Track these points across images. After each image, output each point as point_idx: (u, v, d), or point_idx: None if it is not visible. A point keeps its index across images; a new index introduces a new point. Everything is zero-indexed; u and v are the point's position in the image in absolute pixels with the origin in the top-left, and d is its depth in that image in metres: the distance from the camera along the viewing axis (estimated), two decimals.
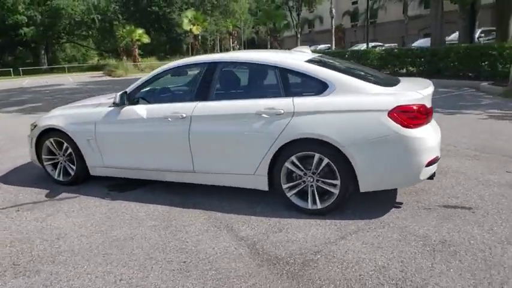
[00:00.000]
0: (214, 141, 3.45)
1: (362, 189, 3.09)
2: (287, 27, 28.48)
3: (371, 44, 24.12)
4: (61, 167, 4.28)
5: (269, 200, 3.54)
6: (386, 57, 13.82)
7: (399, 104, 2.93)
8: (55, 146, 4.24)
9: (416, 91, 3.06)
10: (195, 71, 3.80)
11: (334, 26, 26.47)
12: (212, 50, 46.97)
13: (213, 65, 3.59)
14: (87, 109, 4.15)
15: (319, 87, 3.18)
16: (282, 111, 3.15)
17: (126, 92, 3.81)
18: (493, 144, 5.13)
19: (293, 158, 3.19)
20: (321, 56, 3.84)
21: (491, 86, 9.65)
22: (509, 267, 2.39)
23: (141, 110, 3.72)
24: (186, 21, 31.76)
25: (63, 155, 4.23)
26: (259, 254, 2.71)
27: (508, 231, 2.84)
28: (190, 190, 3.90)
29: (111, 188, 4.17)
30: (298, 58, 3.45)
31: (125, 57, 31.97)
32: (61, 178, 4.28)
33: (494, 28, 16.37)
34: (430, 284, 2.28)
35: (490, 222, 3.00)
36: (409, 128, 2.92)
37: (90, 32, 45.30)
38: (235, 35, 39.05)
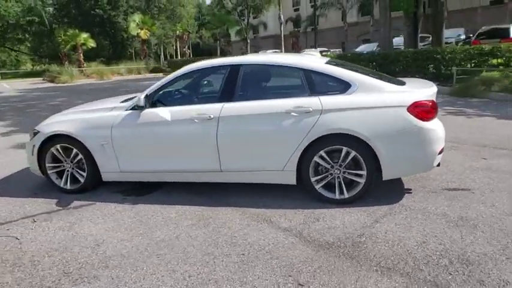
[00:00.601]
0: (243, 140, 3.59)
1: (385, 177, 3.44)
2: (239, 32, 28.89)
3: (318, 49, 25.36)
4: (68, 174, 4.12)
5: (295, 195, 3.75)
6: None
7: (416, 100, 3.32)
8: (62, 153, 4.07)
9: (427, 88, 3.49)
10: (208, 74, 3.93)
11: (282, 32, 27.36)
12: (156, 55, 45.91)
13: (237, 66, 3.74)
14: (99, 113, 4.03)
15: (343, 86, 3.48)
16: (311, 109, 3.40)
17: (147, 95, 3.80)
18: (462, 136, 5.84)
19: (322, 153, 3.44)
20: (331, 59, 4.16)
21: (438, 86, 10.78)
22: None
23: (165, 112, 3.74)
24: (133, 25, 30.77)
25: (71, 161, 4.08)
26: (310, 241, 2.92)
27: (507, 205, 3.36)
28: (211, 189, 3.99)
29: (125, 193, 4.10)
30: (318, 61, 3.73)
31: (67, 63, 30.04)
32: (68, 186, 4.12)
33: (427, 35, 18.24)
34: (468, 251, 2.66)
35: (490, 199, 3.50)
36: (424, 120, 3.32)
37: (26, 36, 41.81)
38: (186, 39, 38.62)
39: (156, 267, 2.67)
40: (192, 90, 4.21)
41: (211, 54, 44.68)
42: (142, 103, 3.68)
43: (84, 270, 2.68)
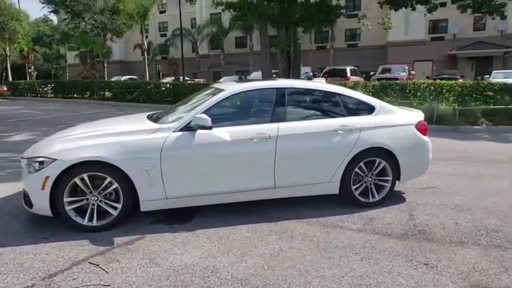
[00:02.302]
0: (297, 157, 3.92)
1: (402, 181, 4.35)
2: (107, 55, 26.43)
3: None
4: (93, 209, 3.50)
5: (326, 204, 4.23)
6: None
7: (420, 120, 4.40)
8: (89, 184, 3.45)
9: (418, 112, 4.63)
10: (253, 96, 4.15)
11: (146, 58, 26.55)
12: None
13: (283, 90, 4.07)
14: (139, 136, 3.60)
15: (370, 109, 4.28)
16: (354, 127, 4.06)
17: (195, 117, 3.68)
18: None
19: (361, 164, 4.12)
20: None
21: None
22: (498, 211, 4.16)
23: (222, 132, 3.70)
24: None
25: (99, 193, 3.50)
26: (388, 235, 3.51)
27: (472, 194, 4.70)
28: (251, 207, 4.06)
29: (164, 222, 3.76)
30: (344, 88, 4.45)
31: None
32: (94, 223, 3.50)
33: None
34: (482, 224, 3.75)
35: (458, 192, 4.82)
36: (424, 135, 4.42)
37: None
38: (32, 59, 32.39)
39: (299, 277, 2.77)
40: (240, 111, 4.22)
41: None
42: (208, 123, 3.55)
43: None
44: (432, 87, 12.76)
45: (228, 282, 2.71)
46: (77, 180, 3.42)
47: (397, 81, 13.36)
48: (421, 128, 4.38)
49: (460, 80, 15.98)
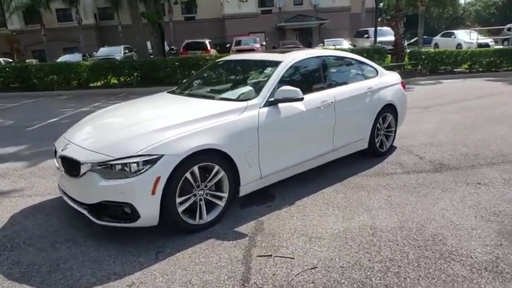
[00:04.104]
0: (348, 118, 4.31)
1: (398, 127, 5.29)
2: None
3: None
4: (201, 204, 3.08)
5: (357, 160, 4.82)
6: (99, 68, 13.73)
7: (402, 80, 5.38)
8: (197, 177, 3.00)
9: (395, 73, 5.60)
10: (307, 65, 4.28)
11: None
12: None
13: (325, 58, 4.34)
14: (232, 116, 3.24)
15: (375, 72, 4.97)
16: (375, 89, 4.69)
17: (274, 87, 3.59)
18: None
19: (380, 119, 4.82)
20: None
21: None
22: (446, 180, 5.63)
23: (299, 103, 3.71)
24: None
25: (205, 186, 3.09)
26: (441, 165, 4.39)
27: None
28: (307, 175, 4.27)
29: (251, 205, 3.60)
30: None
31: None
32: (204, 219, 3.11)
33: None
34: (456, 185, 5.09)
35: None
36: (405, 91, 5.44)
37: None
38: None
39: (422, 207, 3.32)
40: (300, 81, 4.11)
41: None
42: (300, 95, 3.50)
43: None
44: None
45: (388, 236, 3.01)
46: (187, 175, 2.92)
47: None
48: (403, 85, 5.37)
49: (301, 47, 18.62)
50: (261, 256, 2.72)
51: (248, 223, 3.24)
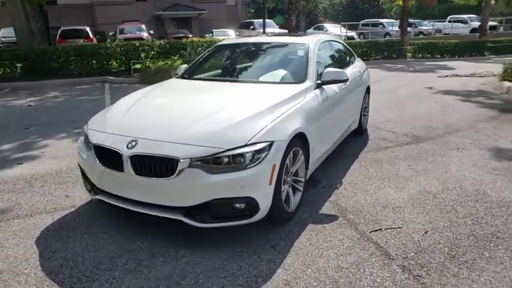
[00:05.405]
0: (354, 98, 4.67)
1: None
2: None
3: None
4: (288, 191, 2.96)
5: (353, 139, 5.22)
6: None
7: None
8: (291, 163, 2.87)
9: None
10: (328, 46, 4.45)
11: None
12: None
13: (334, 42, 4.67)
14: (300, 100, 3.15)
15: (354, 57, 5.42)
16: (360, 71, 5.13)
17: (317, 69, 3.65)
18: None
19: (366, 99, 5.32)
20: None
21: (122, 78, 11.79)
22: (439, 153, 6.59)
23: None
24: None
25: (291, 172, 2.98)
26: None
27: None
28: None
29: None
30: None
31: None
32: (290, 208, 2.98)
33: None
34: (445, 151, 6.02)
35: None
36: None
37: None
38: None
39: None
40: (322, 62, 4.07)
41: None
42: (345, 76, 3.60)
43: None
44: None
45: (448, 196, 3.46)
46: (287, 161, 2.77)
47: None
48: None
49: (191, 37, 18.54)
50: (374, 231, 2.81)
51: (323, 205, 3.25)
